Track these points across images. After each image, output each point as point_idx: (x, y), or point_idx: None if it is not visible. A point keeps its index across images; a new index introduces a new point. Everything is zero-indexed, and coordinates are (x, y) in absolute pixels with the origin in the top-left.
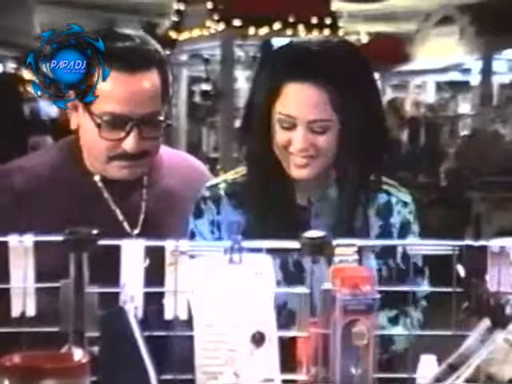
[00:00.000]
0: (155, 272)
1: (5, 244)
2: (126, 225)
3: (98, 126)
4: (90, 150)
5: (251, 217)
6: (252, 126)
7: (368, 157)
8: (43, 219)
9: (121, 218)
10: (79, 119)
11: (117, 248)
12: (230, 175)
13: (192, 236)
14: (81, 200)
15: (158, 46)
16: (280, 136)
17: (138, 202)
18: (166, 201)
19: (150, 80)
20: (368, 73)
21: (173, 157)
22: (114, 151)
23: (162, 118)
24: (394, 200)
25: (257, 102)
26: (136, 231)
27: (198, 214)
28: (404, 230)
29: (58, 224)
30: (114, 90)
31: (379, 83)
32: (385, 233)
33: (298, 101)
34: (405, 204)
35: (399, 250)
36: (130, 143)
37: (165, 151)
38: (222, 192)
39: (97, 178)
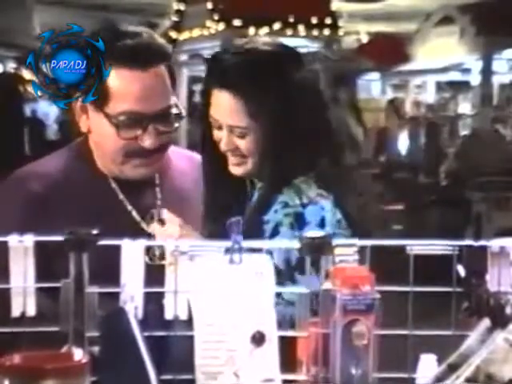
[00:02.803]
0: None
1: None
2: (143, 225)
3: (117, 126)
4: (105, 151)
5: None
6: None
7: (291, 159)
8: (59, 224)
9: (138, 218)
10: (90, 122)
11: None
12: None
13: None
14: (96, 202)
15: (163, 40)
16: (214, 135)
17: (152, 201)
18: (179, 199)
19: (161, 75)
20: (286, 79)
21: (179, 155)
22: (130, 149)
23: (175, 111)
24: (280, 198)
25: (199, 104)
26: None
27: None
28: (275, 230)
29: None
30: (129, 89)
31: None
32: (255, 228)
33: (219, 106)
34: (286, 204)
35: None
36: (147, 139)
37: (170, 150)
38: None
39: (111, 179)
